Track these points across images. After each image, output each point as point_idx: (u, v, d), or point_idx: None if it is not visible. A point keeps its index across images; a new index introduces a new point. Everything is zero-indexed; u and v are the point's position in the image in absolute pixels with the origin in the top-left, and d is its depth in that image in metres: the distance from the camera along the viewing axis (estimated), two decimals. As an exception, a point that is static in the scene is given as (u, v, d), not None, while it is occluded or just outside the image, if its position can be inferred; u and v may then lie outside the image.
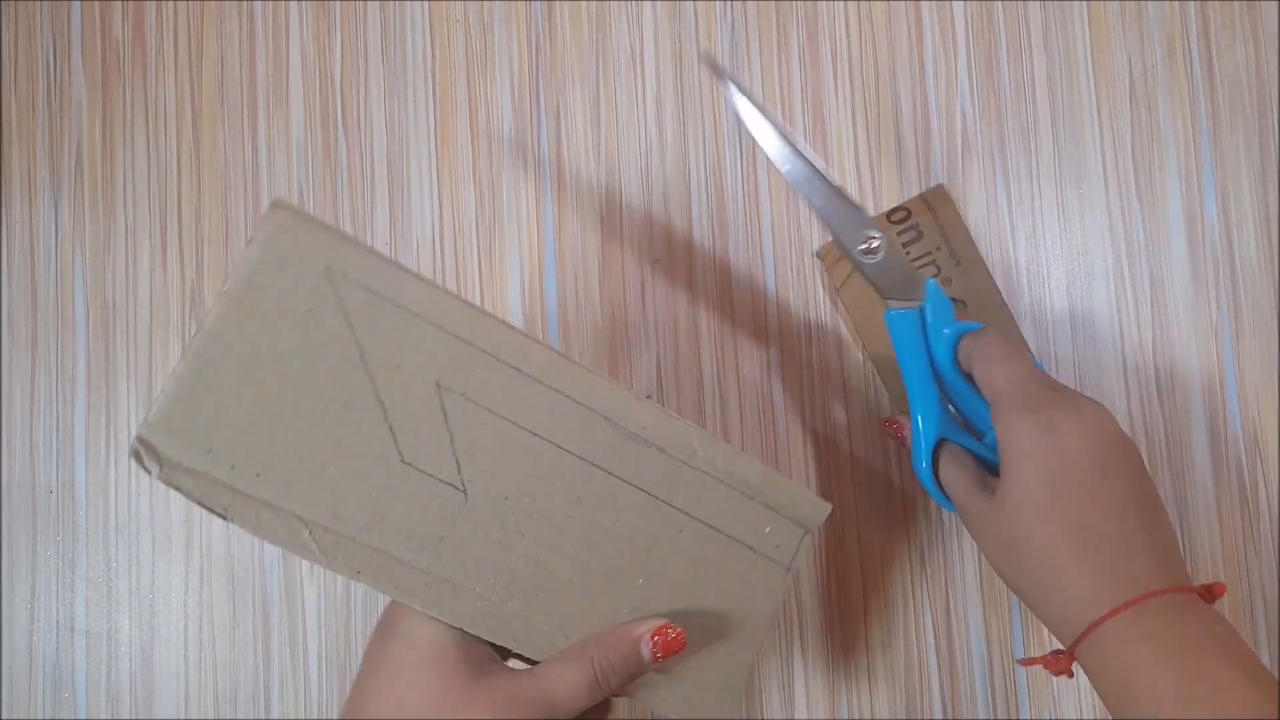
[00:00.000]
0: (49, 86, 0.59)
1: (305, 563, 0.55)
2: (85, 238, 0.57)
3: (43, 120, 0.58)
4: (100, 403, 0.56)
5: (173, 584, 0.55)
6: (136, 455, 0.32)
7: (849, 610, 0.53)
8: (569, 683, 0.34)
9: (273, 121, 0.58)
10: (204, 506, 0.32)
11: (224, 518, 0.32)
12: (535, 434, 0.36)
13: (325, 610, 0.55)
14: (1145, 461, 0.39)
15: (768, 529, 0.40)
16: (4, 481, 0.56)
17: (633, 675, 0.35)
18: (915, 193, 0.54)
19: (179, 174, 0.58)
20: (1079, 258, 0.54)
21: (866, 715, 0.52)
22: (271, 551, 0.55)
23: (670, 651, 0.36)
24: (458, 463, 0.35)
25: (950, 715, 0.52)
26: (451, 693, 0.32)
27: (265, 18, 0.58)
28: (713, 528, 0.39)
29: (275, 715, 0.54)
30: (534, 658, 0.36)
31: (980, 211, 0.54)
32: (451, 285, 0.56)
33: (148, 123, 0.58)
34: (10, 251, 0.58)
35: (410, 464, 0.34)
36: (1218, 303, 0.53)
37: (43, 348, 0.57)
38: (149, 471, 0.32)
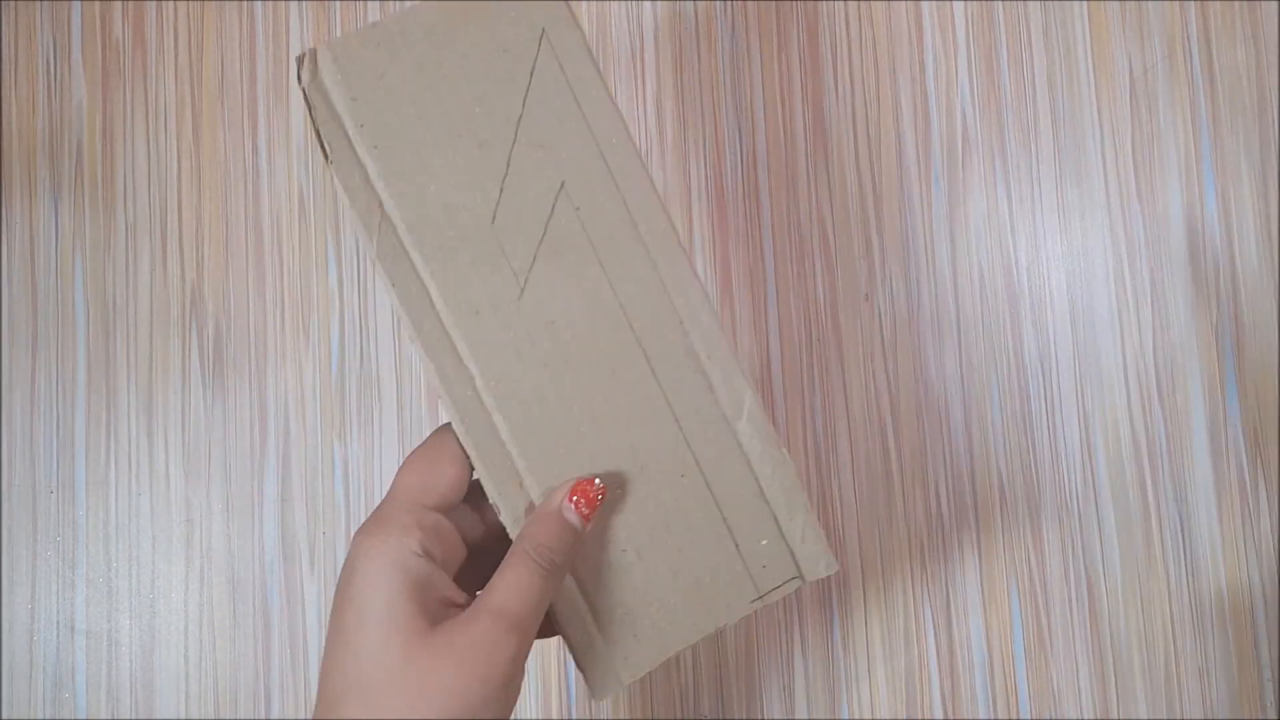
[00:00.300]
0: (49, 86, 0.59)
1: (305, 563, 0.55)
2: (85, 238, 0.57)
3: (43, 120, 0.58)
4: (100, 402, 0.56)
5: (173, 584, 0.55)
6: (301, 60, 0.33)
7: (849, 610, 0.53)
8: (518, 585, 0.32)
9: (273, 121, 0.58)
10: (318, 136, 0.33)
11: (327, 158, 0.33)
12: (612, 287, 0.35)
13: (325, 610, 0.55)
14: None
15: (764, 541, 0.37)
16: (4, 481, 0.56)
17: (572, 545, 0.34)
18: (916, 193, 0.54)
19: (179, 174, 0.58)
20: (1079, 257, 0.54)
21: (866, 715, 0.52)
22: (272, 552, 0.55)
23: (594, 505, 0.34)
24: (533, 260, 0.34)
25: (950, 715, 0.52)
26: (413, 651, 0.30)
27: (265, 18, 0.58)
28: (714, 498, 0.36)
29: (275, 715, 0.54)
30: (485, 483, 0.35)
31: (980, 211, 0.54)
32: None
33: (148, 123, 0.58)
34: (10, 251, 0.58)
35: (495, 229, 0.34)
36: (1218, 302, 0.53)
37: (43, 347, 0.57)
38: (299, 78, 0.33)
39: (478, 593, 0.34)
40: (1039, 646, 0.52)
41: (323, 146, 0.34)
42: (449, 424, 0.35)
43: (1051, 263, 0.54)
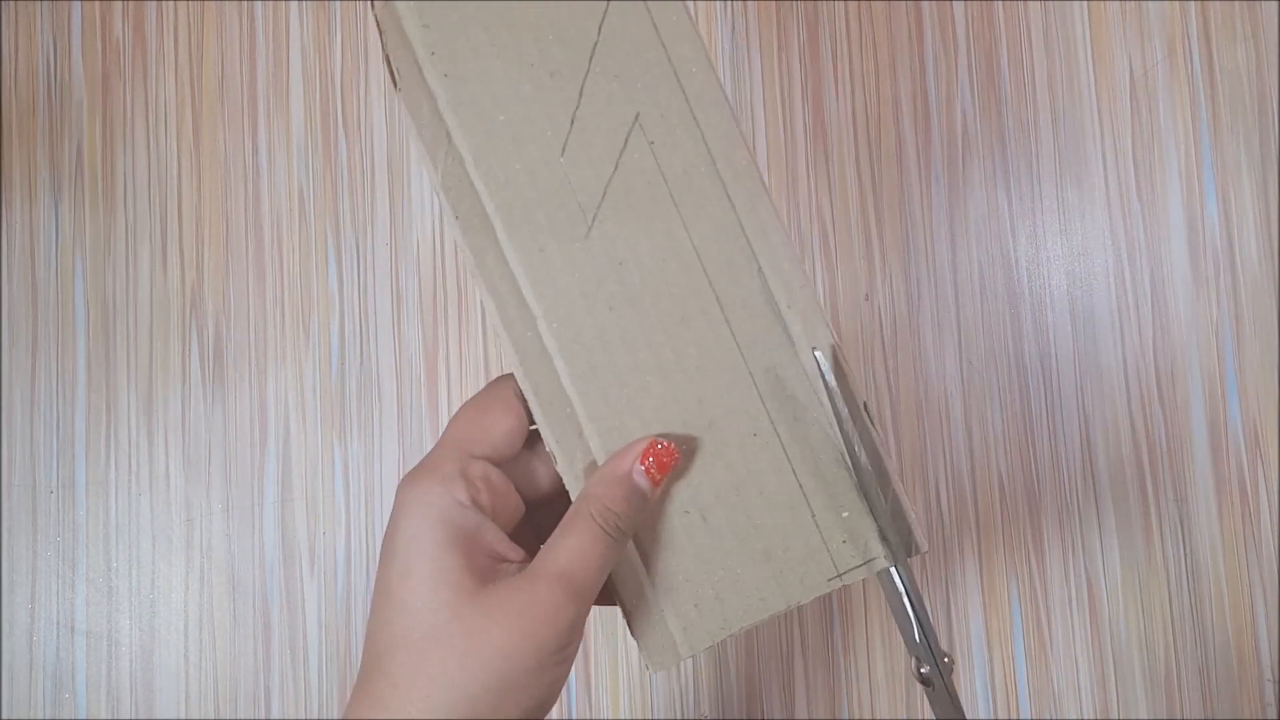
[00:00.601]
0: (49, 87, 0.59)
1: (305, 563, 0.55)
2: (85, 238, 0.57)
3: (43, 120, 0.58)
4: (100, 402, 0.56)
5: (173, 584, 0.55)
6: None
7: (849, 610, 0.53)
8: (581, 551, 0.30)
9: (273, 121, 0.58)
10: (385, 57, 0.32)
11: (394, 82, 0.32)
12: (686, 228, 0.33)
13: (325, 610, 0.55)
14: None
15: (845, 514, 0.33)
16: (4, 481, 0.56)
17: (640, 511, 0.32)
18: (916, 193, 0.54)
19: (179, 174, 0.58)
20: (1079, 257, 0.54)
21: (867, 715, 0.52)
22: (271, 552, 0.55)
23: (665, 469, 0.32)
24: (603, 196, 0.33)
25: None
26: (462, 608, 0.29)
27: (265, 18, 0.58)
28: (789, 461, 0.33)
29: (275, 715, 0.54)
30: (543, 430, 0.33)
31: (980, 210, 0.54)
32: (451, 285, 0.56)
33: (148, 123, 0.58)
34: (10, 251, 0.58)
35: (564, 162, 0.33)
36: (1218, 302, 0.53)
37: (43, 348, 0.57)
38: (372, 3, 0.33)
39: (538, 550, 0.32)
40: (1039, 646, 0.52)
41: (392, 73, 0.33)
42: (507, 374, 0.33)
43: (1051, 262, 0.54)
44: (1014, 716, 0.52)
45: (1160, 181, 0.54)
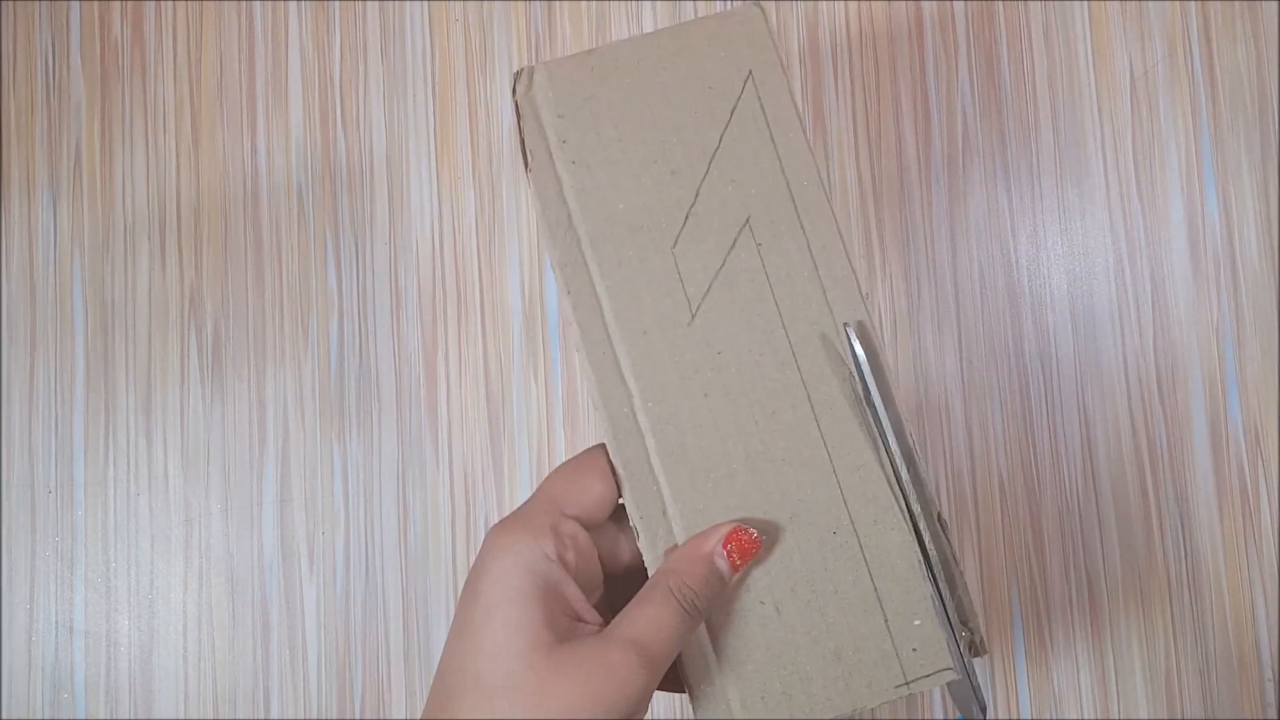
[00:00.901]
0: (48, 87, 0.58)
1: (304, 563, 0.55)
2: (84, 238, 0.57)
3: (41, 120, 0.58)
4: (99, 403, 0.56)
5: (172, 584, 0.55)
6: (519, 75, 0.35)
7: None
8: (658, 622, 0.31)
9: (272, 121, 0.57)
10: (522, 145, 0.35)
11: (526, 164, 0.35)
12: (784, 327, 0.34)
13: (324, 611, 0.54)
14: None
15: (917, 621, 0.33)
16: (3, 481, 0.56)
17: (718, 592, 0.32)
18: (916, 192, 0.54)
19: (178, 174, 0.57)
20: (1080, 257, 0.54)
21: (866, 716, 0.52)
22: (271, 552, 0.55)
23: (747, 556, 0.32)
24: (708, 289, 0.35)
25: (951, 715, 0.52)
26: (536, 659, 0.29)
27: (264, 18, 0.58)
28: (866, 563, 0.33)
29: (274, 716, 0.54)
30: (629, 504, 0.34)
31: (981, 210, 0.54)
32: (451, 285, 0.56)
33: (146, 123, 0.58)
34: (9, 251, 0.57)
35: (675, 254, 0.35)
36: (1219, 302, 0.53)
37: (41, 348, 0.57)
38: (514, 91, 0.35)
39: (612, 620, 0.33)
40: (1039, 646, 0.52)
41: (525, 155, 0.35)
42: (602, 444, 0.34)
43: (1052, 262, 0.54)
44: (1014, 716, 0.52)
45: (1161, 180, 0.54)
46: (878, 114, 0.55)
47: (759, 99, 0.35)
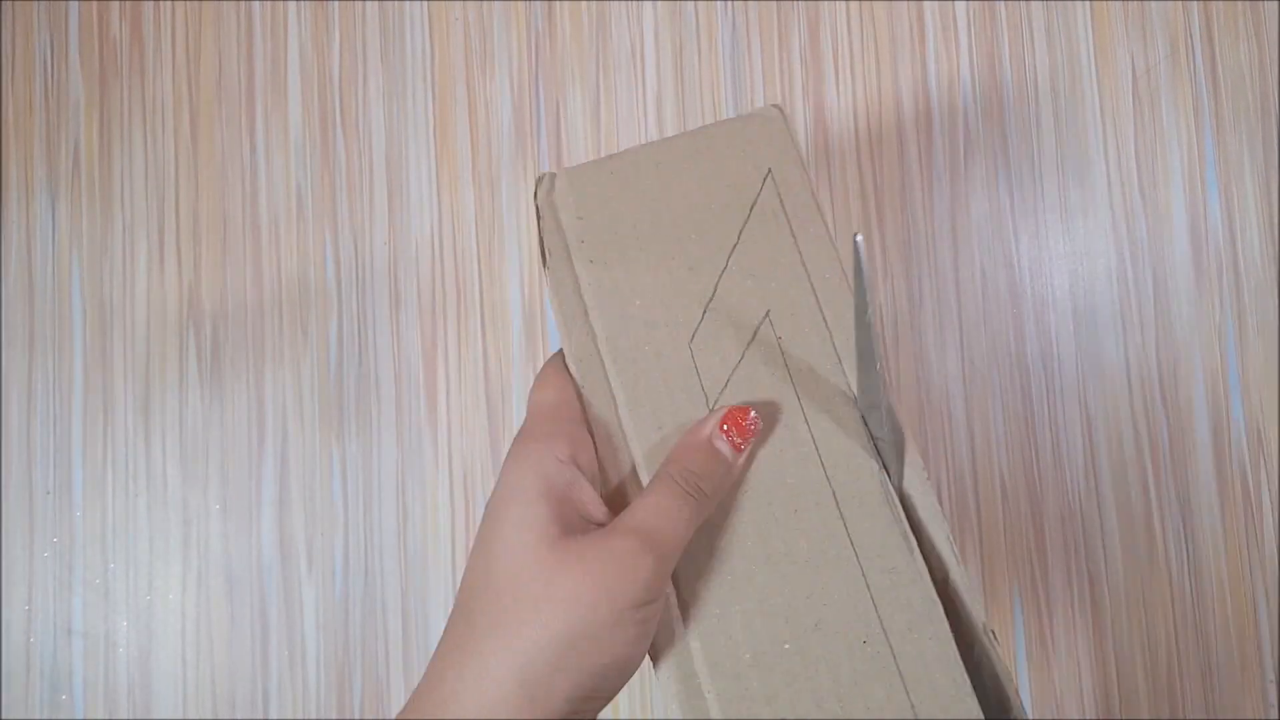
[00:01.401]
0: (46, 86, 0.58)
1: (303, 564, 0.55)
2: (82, 237, 0.57)
3: (40, 120, 0.58)
4: (97, 403, 0.56)
5: (170, 586, 0.55)
6: (540, 180, 0.36)
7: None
8: (660, 507, 0.30)
9: (271, 121, 0.57)
10: (541, 243, 0.35)
11: (544, 260, 0.35)
12: (806, 420, 0.33)
13: (323, 612, 0.54)
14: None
15: None
16: (1, 482, 0.56)
17: (723, 478, 0.31)
18: (918, 192, 0.54)
19: (176, 173, 0.57)
20: (1081, 257, 0.54)
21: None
22: (269, 553, 0.55)
23: (747, 435, 0.32)
24: (726, 383, 0.34)
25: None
26: (542, 554, 0.29)
27: (263, 17, 0.58)
28: (900, 675, 0.30)
29: (273, 717, 0.54)
30: None
31: (982, 210, 0.54)
32: (451, 286, 0.56)
33: (145, 122, 0.58)
34: (7, 251, 0.57)
35: (693, 348, 0.34)
36: (1221, 302, 0.53)
37: (40, 348, 0.57)
38: (535, 195, 0.36)
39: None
40: (1041, 647, 0.52)
41: (543, 252, 0.35)
42: (558, 351, 0.35)
43: (1054, 262, 0.54)
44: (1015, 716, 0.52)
45: (1163, 180, 0.54)
46: (879, 113, 0.55)
47: (778, 195, 0.35)
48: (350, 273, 0.56)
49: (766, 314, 0.34)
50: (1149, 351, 0.53)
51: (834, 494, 0.32)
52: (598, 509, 0.31)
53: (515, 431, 0.54)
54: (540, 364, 0.55)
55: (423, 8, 0.57)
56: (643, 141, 0.55)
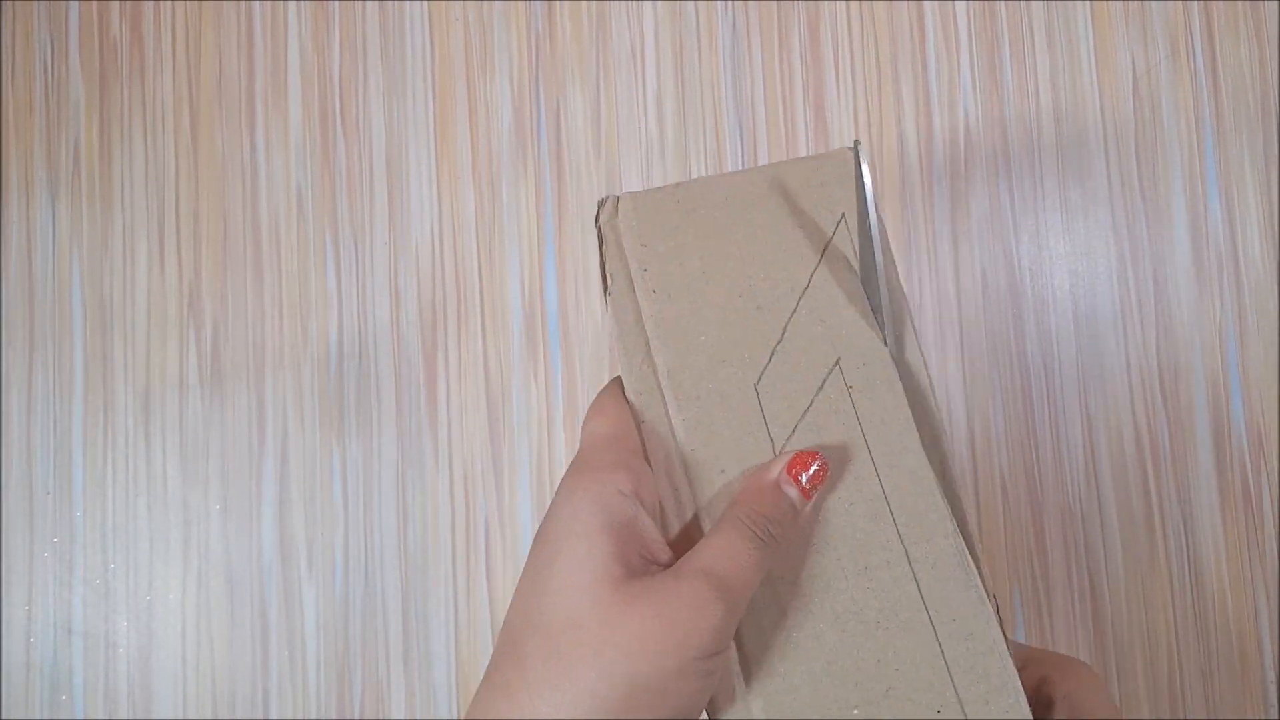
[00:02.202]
0: (46, 86, 0.58)
1: (304, 564, 0.55)
2: (82, 237, 0.57)
3: (40, 120, 0.58)
4: (97, 403, 0.56)
5: (170, 586, 0.55)
6: (603, 203, 0.35)
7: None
8: (730, 552, 0.28)
9: (271, 121, 0.57)
10: (601, 266, 0.34)
11: (605, 288, 0.34)
12: (878, 475, 0.32)
13: (323, 612, 0.54)
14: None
15: None
16: (1, 482, 0.56)
17: (791, 525, 0.30)
18: (918, 192, 0.54)
19: (176, 173, 0.57)
20: (1082, 257, 0.53)
21: (868, 717, 0.52)
22: (270, 553, 0.55)
23: (816, 482, 0.30)
24: (793, 430, 0.32)
25: (953, 717, 0.52)
26: (603, 594, 0.27)
27: (263, 17, 0.58)
28: None
29: (273, 717, 0.54)
30: None
31: (983, 210, 0.54)
32: (451, 286, 0.56)
33: (145, 122, 0.58)
34: (7, 251, 0.57)
35: (759, 391, 0.33)
36: (1221, 302, 0.53)
37: (40, 347, 0.57)
38: (597, 217, 0.35)
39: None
40: (1041, 646, 0.52)
41: (605, 279, 0.34)
42: (617, 377, 0.34)
43: (1054, 262, 0.54)
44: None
45: (1163, 180, 0.53)
46: (879, 113, 0.55)
47: (852, 241, 0.34)
48: (351, 273, 0.56)
49: (836, 362, 0.33)
50: (1149, 351, 0.53)
51: (906, 553, 0.30)
52: (661, 549, 0.29)
53: (516, 431, 0.54)
54: (540, 364, 0.55)
55: (423, 8, 0.57)
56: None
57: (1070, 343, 0.53)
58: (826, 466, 0.31)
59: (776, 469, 0.30)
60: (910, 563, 0.30)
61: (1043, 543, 0.52)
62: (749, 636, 0.30)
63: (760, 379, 0.33)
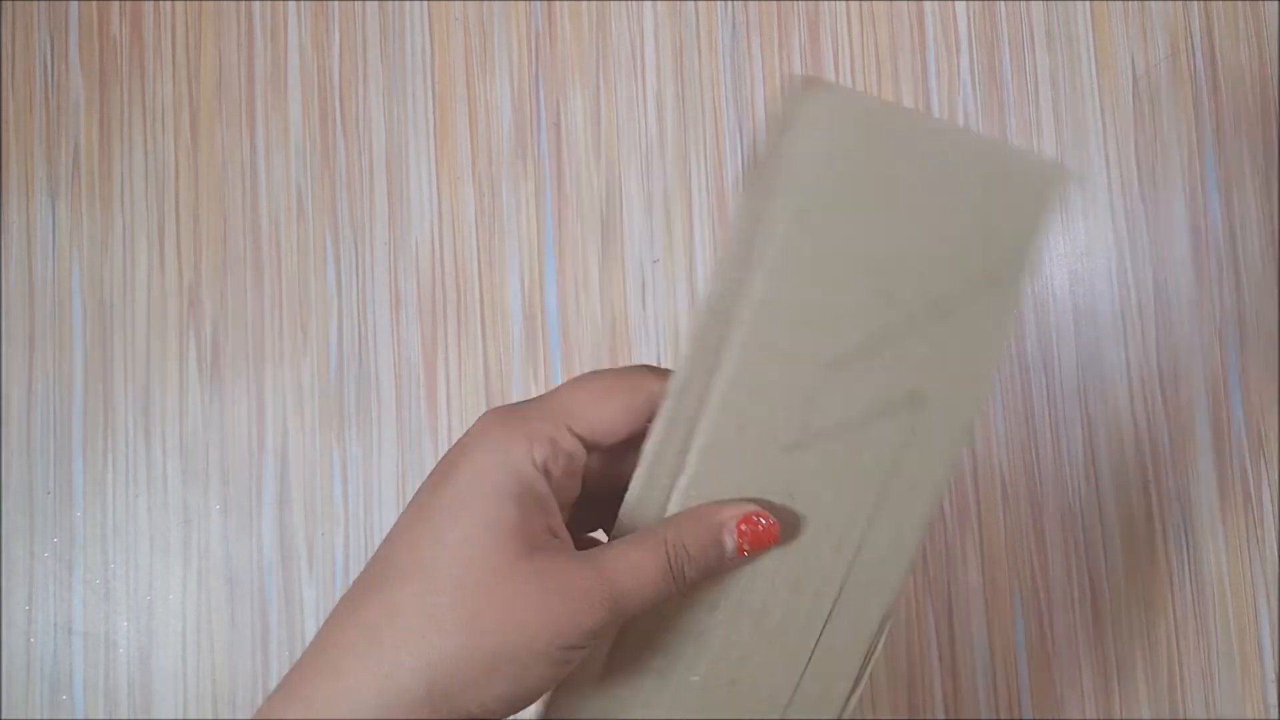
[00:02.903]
0: (46, 86, 0.58)
1: (304, 564, 0.55)
2: (83, 238, 0.57)
3: (40, 120, 0.58)
4: (97, 403, 0.56)
5: (170, 586, 0.55)
6: (806, 81, 0.29)
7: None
8: (637, 571, 0.28)
9: (271, 121, 0.57)
10: (756, 147, 0.30)
11: (747, 173, 0.31)
12: (868, 521, 0.30)
13: (324, 612, 0.54)
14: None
15: None
16: (1, 482, 0.56)
17: (711, 569, 0.29)
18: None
19: (176, 174, 0.57)
20: (1082, 257, 0.54)
21: (868, 715, 0.52)
22: (270, 553, 0.55)
23: (759, 545, 0.29)
24: (828, 430, 0.30)
25: (952, 715, 0.52)
26: (497, 564, 0.27)
27: (263, 17, 0.58)
28: None
29: (274, 718, 0.54)
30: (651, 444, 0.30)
31: (982, 211, 0.54)
32: (450, 286, 0.56)
33: (145, 122, 0.58)
34: (7, 251, 0.57)
35: (822, 373, 0.29)
36: (1221, 303, 0.53)
37: (40, 348, 0.57)
38: (784, 91, 0.29)
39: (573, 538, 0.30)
40: (1041, 647, 0.52)
41: (750, 167, 0.31)
42: (642, 368, 0.31)
43: (1054, 262, 0.54)
44: (1016, 717, 0.52)
45: (1163, 180, 0.53)
46: (879, 113, 0.55)
47: (1017, 272, 0.30)
48: (350, 273, 0.56)
49: (911, 396, 0.30)
50: (1149, 351, 0.53)
51: (837, 595, 0.30)
52: (559, 527, 0.29)
53: (515, 431, 0.54)
54: (540, 364, 0.55)
55: (423, 8, 0.57)
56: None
57: (1070, 343, 0.53)
58: (774, 534, 0.30)
59: (731, 511, 0.29)
60: (834, 604, 0.30)
61: (1042, 542, 0.52)
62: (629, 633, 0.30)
63: (831, 363, 0.29)
